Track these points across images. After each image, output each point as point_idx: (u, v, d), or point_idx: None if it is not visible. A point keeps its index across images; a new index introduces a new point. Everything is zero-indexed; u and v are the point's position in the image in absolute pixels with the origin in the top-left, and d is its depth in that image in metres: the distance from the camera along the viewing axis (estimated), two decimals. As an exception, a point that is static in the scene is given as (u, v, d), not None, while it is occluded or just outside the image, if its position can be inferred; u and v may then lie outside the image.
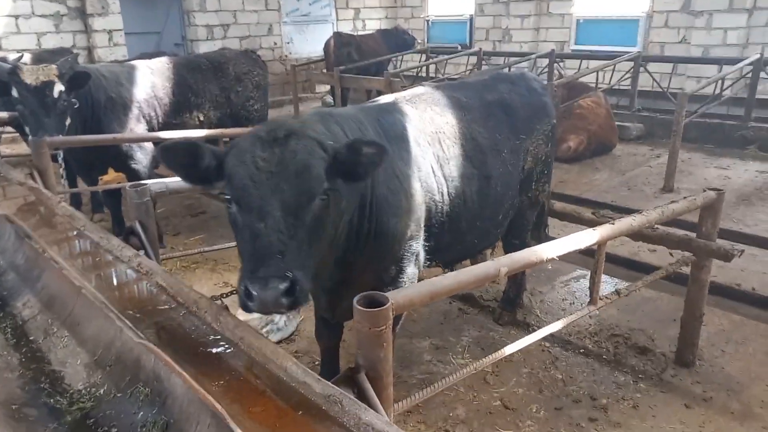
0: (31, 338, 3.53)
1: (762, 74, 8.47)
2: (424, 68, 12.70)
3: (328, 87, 14.21)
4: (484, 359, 2.13)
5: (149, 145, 4.97)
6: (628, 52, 10.93)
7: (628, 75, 9.88)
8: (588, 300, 2.57)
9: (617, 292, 2.68)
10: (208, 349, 1.81)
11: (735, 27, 10.37)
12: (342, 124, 2.47)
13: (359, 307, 1.58)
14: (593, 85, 9.42)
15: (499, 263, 1.93)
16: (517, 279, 4.13)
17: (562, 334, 4.01)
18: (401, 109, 2.94)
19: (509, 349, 2.14)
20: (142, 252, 2.67)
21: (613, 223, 2.47)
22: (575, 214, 3.83)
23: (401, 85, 10.37)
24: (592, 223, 3.72)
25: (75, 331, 3.37)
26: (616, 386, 3.44)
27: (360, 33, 13.18)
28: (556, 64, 10.90)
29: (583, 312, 2.53)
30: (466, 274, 1.85)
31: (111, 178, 4.91)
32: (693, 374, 3.53)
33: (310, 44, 15.21)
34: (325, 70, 13.42)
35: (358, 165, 2.07)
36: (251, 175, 1.94)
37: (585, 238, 2.31)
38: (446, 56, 12.10)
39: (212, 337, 1.86)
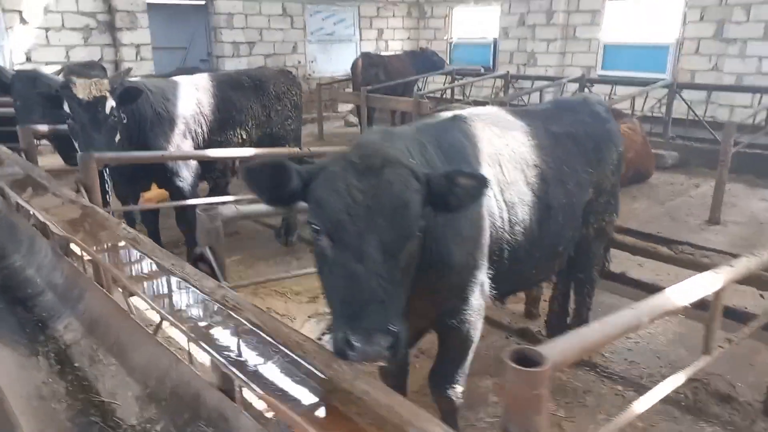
0: (76, 365, 3.33)
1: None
2: (449, 90, 12.62)
3: (350, 106, 14.17)
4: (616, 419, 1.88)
5: (194, 162, 4.82)
6: (657, 79, 10.84)
7: (660, 102, 9.74)
8: (701, 350, 2.35)
9: (728, 340, 2.45)
10: (326, 403, 1.59)
11: (770, 56, 10.24)
12: (406, 142, 2.31)
13: (512, 365, 1.37)
14: (626, 111, 9.27)
15: (640, 312, 1.73)
16: (582, 317, 3.90)
17: (634, 377, 3.77)
18: (461, 128, 2.75)
19: (639, 407, 1.92)
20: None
21: (732, 266, 2.25)
22: (651, 250, 3.61)
23: (429, 106, 10.30)
24: (670, 260, 3.51)
25: (123, 359, 3.17)
26: (699, 435, 3.20)
27: (388, 53, 13.12)
28: (585, 89, 10.79)
29: (700, 364, 2.30)
30: (612, 325, 1.64)
31: (154, 195, 4.74)
32: (790, 427, 3.28)
33: (333, 63, 15.20)
34: (348, 89, 13.41)
35: (451, 196, 1.91)
36: (347, 208, 1.77)
37: (709, 281, 2.10)
38: (472, 78, 12.01)
39: (324, 387, 1.65)
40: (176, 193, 4.71)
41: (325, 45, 15.26)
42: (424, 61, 12.84)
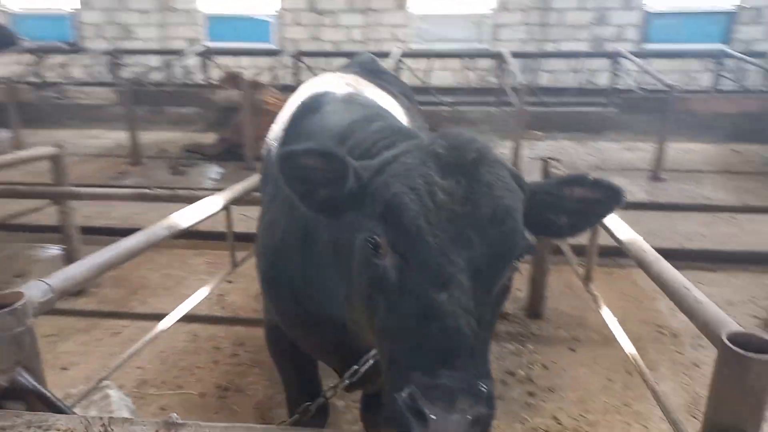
0: None
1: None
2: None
3: None
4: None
5: None
6: (265, 49, 11.40)
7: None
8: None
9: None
10: None
11: (356, 25, 11.87)
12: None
13: (752, 355, 1.16)
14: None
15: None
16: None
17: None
18: (367, 101, 2.28)
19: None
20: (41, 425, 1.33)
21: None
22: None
23: (29, 92, 8.16)
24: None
25: None
26: (515, 355, 3.59)
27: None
28: (209, 61, 10.38)
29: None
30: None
31: None
32: (551, 323, 3.98)
33: None
34: None
35: (561, 214, 1.43)
36: (427, 213, 1.24)
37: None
38: (71, 54, 10.03)
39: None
40: None
41: None
42: (-13, 35, 9.94)
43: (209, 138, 8.61)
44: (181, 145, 8.36)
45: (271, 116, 8.52)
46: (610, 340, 3.64)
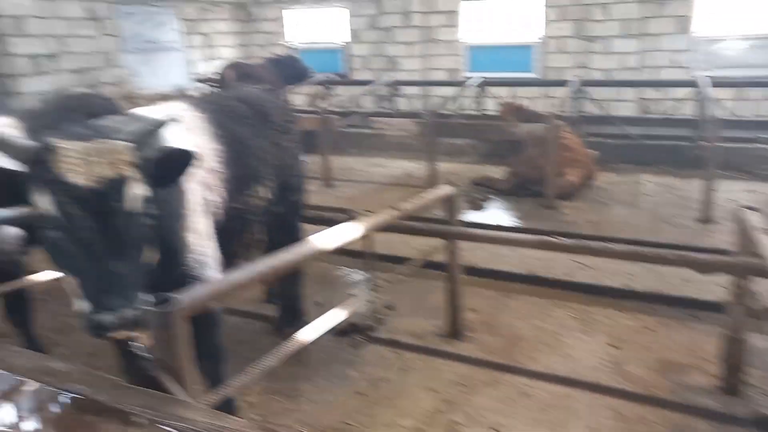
0: None
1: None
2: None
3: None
4: None
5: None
6: (547, 80, 11.04)
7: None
8: None
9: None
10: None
11: (630, 52, 10.96)
12: None
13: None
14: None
15: None
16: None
17: None
18: None
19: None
20: None
21: None
22: None
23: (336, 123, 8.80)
24: None
25: None
26: None
27: (251, 62, 10.96)
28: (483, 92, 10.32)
29: None
30: None
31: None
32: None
33: (158, 76, 12.32)
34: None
35: None
36: None
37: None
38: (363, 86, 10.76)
39: None
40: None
41: (147, 55, 12.30)
42: (286, 68, 11.00)
43: (495, 171, 8.43)
44: (469, 178, 8.26)
45: (570, 150, 7.99)
46: None
